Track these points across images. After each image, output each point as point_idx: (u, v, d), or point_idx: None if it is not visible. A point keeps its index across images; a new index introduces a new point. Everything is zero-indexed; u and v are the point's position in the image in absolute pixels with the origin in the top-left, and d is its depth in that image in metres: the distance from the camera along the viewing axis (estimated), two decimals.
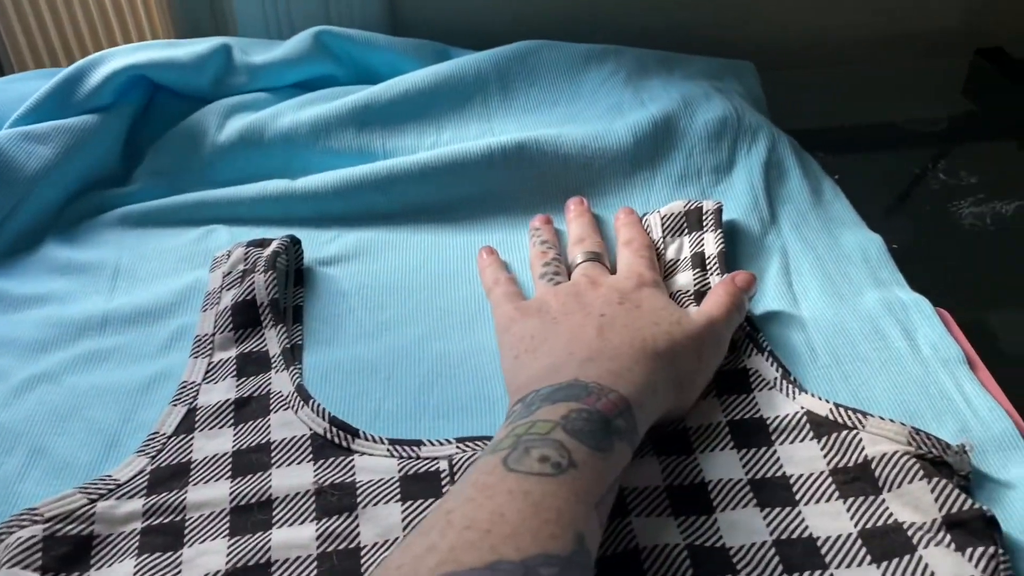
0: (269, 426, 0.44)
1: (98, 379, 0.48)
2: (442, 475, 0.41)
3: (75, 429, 0.46)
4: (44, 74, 0.68)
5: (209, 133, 0.62)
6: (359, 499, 0.41)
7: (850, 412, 0.42)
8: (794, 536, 0.38)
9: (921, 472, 0.39)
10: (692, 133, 0.60)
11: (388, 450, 0.43)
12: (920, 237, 0.57)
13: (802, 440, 0.42)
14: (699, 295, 0.49)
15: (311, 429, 0.44)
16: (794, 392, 0.44)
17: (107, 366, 0.49)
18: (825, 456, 0.41)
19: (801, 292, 0.51)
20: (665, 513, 0.39)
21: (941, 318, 0.48)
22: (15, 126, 0.60)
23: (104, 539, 0.39)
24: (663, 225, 0.54)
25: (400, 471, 0.42)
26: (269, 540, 0.39)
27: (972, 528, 0.37)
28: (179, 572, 0.38)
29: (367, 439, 0.43)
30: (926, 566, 0.36)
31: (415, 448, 0.43)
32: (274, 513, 0.40)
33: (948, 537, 0.37)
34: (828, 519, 0.39)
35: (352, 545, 0.39)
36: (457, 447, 0.42)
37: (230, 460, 0.43)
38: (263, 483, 0.41)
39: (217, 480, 0.42)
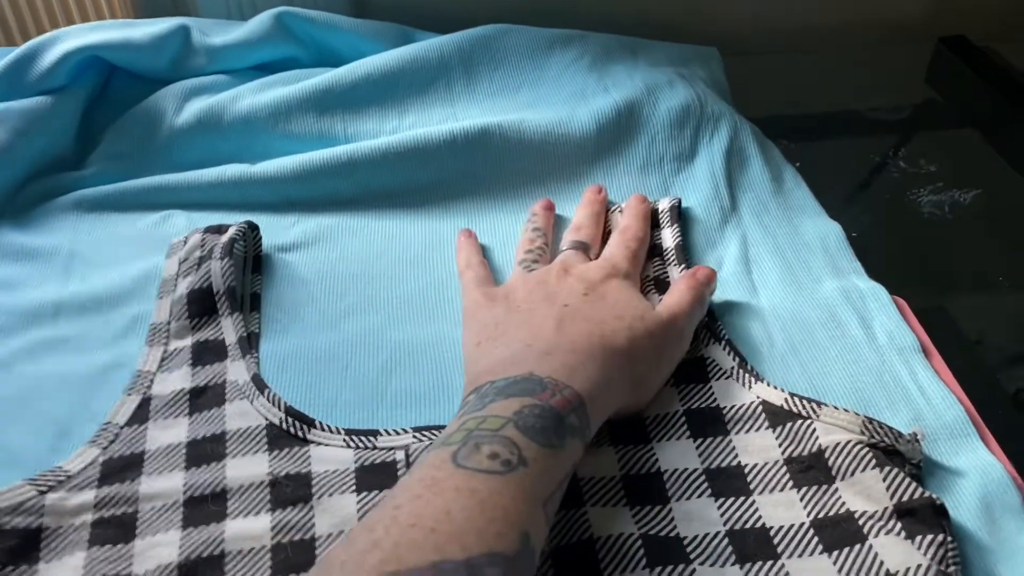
0: (224, 416, 0.44)
1: (51, 368, 0.48)
2: (398, 465, 0.41)
3: (26, 419, 0.45)
4: None
5: (167, 116, 0.61)
6: (314, 490, 0.40)
7: (805, 402, 0.42)
8: (747, 526, 0.38)
9: (873, 461, 0.39)
10: (655, 120, 0.60)
11: (344, 440, 0.43)
12: (879, 225, 0.57)
13: (757, 429, 0.42)
14: (658, 282, 0.49)
15: (267, 419, 0.43)
16: (750, 381, 0.44)
17: (60, 355, 0.49)
18: (780, 445, 0.41)
19: (760, 280, 0.51)
20: (620, 503, 0.39)
21: (897, 306, 0.49)
22: None
23: (54, 531, 0.39)
24: None
25: (356, 462, 0.41)
26: (223, 532, 0.39)
27: (922, 516, 0.37)
28: (130, 564, 0.38)
29: (323, 429, 0.43)
30: (876, 555, 0.36)
31: (371, 438, 0.43)
32: (228, 504, 0.40)
33: (899, 525, 0.37)
34: (782, 509, 0.39)
35: (307, 536, 0.39)
36: (414, 437, 0.42)
37: (184, 451, 0.42)
38: (217, 474, 0.41)
39: (171, 471, 0.41)
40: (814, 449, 0.41)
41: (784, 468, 0.40)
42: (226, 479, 0.41)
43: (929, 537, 0.36)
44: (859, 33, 0.76)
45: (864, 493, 0.39)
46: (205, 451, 0.42)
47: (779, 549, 0.37)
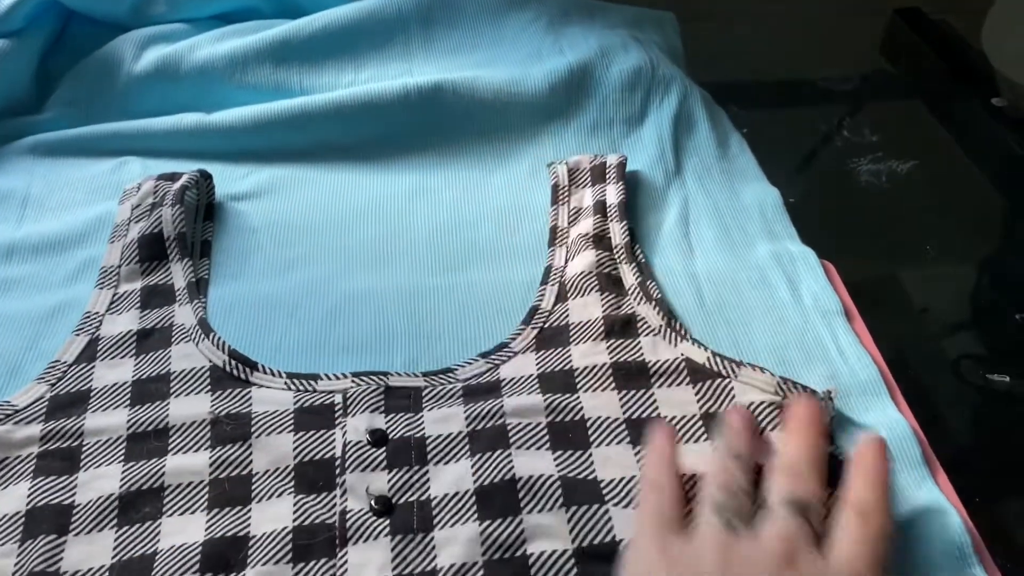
0: (170, 357, 0.45)
1: (1, 307, 0.49)
2: (336, 408, 0.43)
3: None
4: None
5: (125, 63, 0.62)
6: (253, 429, 0.42)
7: (726, 361, 0.44)
8: None
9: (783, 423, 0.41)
10: (607, 83, 0.62)
11: (285, 383, 0.44)
12: (817, 192, 0.59)
13: (679, 385, 0.44)
14: (597, 239, 0.51)
15: (211, 361, 0.45)
16: (676, 339, 0.46)
17: (12, 295, 0.50)
18: (698, 401, 0.43)
19: (697, 242, 0.53)
20: (544, 447, 0.41)
21: (825, 270, 0.51)
22: None
23: (0, 462, 0.40)
24: (569, 175, 0.56)
25: (295, 403, 0.43)
26: (163, 466, 0.41)
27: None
28: (74, 494, 0.40)
29: (265, 372, 0.45)
30: None
31: (312, 382, 0.44)
32: (170, 440, 0.42)
33: None
34: (694, 457, 0.41)
35: (244, 472, 0.40)
36: (352, 381, 0.44)
37: (129, 389, 0.44)
38: (160, 412, 0.43)
39: (116, 408, 0.43)
40: (729, 407, 0.43)
41: (700, 422, 0.43)
42: (169, 417, 0.43)
43: (829, 489, 0.39)
44: (816, 2, 0.78)
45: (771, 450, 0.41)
46: (149, 390, 0.44)
47: (690, 494, 0.40)
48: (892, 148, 0.62)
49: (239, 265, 0.52)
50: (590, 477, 0.40)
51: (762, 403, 0.42)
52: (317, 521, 0.38)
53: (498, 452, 0.40)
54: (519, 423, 0.42)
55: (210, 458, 0.41)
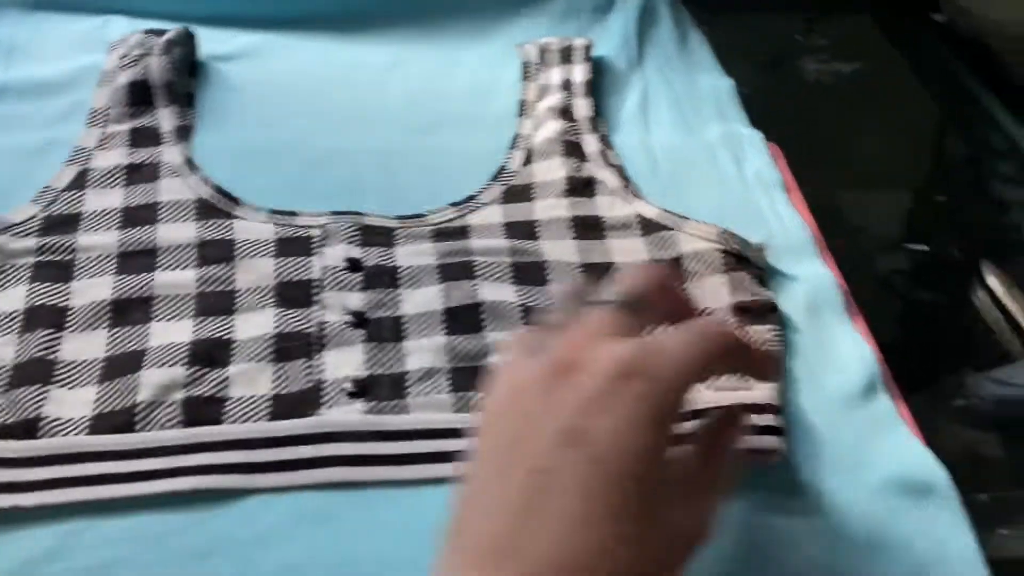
0: (157, 190, 0.48)
1: None
2: (314, 240, 0.46)
3: None
4: None
5: None
6: (236, 253, 0.45)
7: (674, 215, 0.48)
8: None
9: (723, 267, 0.46)
10: None
11: (267, 217, 0.47)
12: (768, 85, 0.63)
13: (630, 236, 0.48)
14: (563, 111, 0.55)
15: (197, 195, 0.48)
16: (631, 199, 0.50)
17: (1, 131, 0.52)
18: (647, 249, 0.47)
19: (655, 122, 0.57)
20: (508, 280, 0.45)
21: (770, 151, 0.55)
22: None
23: None
24: (539, 55, 0.59)
25: (276, 234, 0.47)
26: (152, 279, 0.44)
27: (755, 313, 0.44)
28: (69, 298, 0.43)
29: (248, 207, 0.48)
30: None
31: (291, 217, 0.48)
32: (157, 259, 0.45)
33: (735, 320, 0.44)
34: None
35: (228, 288, 0.44)
36: (330, 217, 0.47)
37: (119, 214, 0.47)
38: (149, 234, 0.46)
39: (106, 230, 0.46)
40: (675, 254, 0.47)
41: None
42: (156, 239, 0.46)
43: (757, 327, 0.43)
44: None
45: (711, 293, 0.45)
46: (138, 216, 0.47)
47: None
48: (839, 52, 0.66)
49: (222, 118, 0.55)
50: (546, 306, 0.44)
51: (704, 250, 0.46)
52: (297, 330, 0.42)
53: (464, 281, 0.44)
54: (484, 260, 0.46)
55: (196, 275, 0.44)
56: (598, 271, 0.46)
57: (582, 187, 0.51)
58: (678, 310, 0.34)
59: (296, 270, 0.45)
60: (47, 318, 0.42)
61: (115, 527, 0.35)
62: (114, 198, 0.48)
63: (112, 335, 0.41)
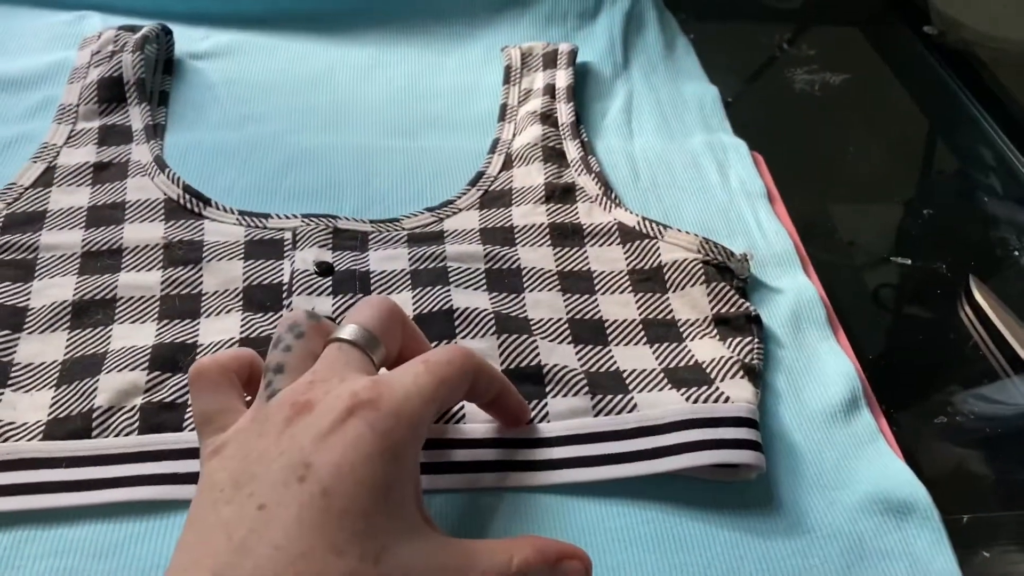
0: (125, 188, 0.47)
1: None
2: (285, 243, 0.45)
3: None
4: None
5: None
6: (204, 255, 0.44)
7: (653, 224, 0.47)
8: (586, 317, 0.44)
9: (703, 278, 0.45)
10: None
11: (237, 219, 0.46)
12: (753, 95, 0.62)
13: (609, 244, 0.47)
14: (545, 116, 0.54)
15: (165, 194, 0.47)
16: (611, 206, 0.49)
17: None
18: (626, 259, 0.46)
19: (638, 129, 0.56)
20: (481, 288, 0.44)
21: (754, 159, 0.54)
22: None
23: None
24: (522, 59, 0.58)
25: (246, 237, 0.45)
26: (116, 280, 0.42)
27: (735, 324, 0.43)
28: (28, 298, 0.41)
29: (218, 208, 0.47)
30: (689, 351, 0.42)
31: (263, 220, 0.46)
32: (123, 259, 0.43)
33: (715, 330, 0.43)
34: (617, 307, 0.44)
35: (195, 291, 0.43)
36: (302, 221, 0.46)
37: (85, 213, 0.46)
38: (114, 234, 0.44)
39: (71, 228, 0.45)
40: (655, 264, 0.46)
41: (627, 277, 0.46)
42: (123, 239, 0.44)
43: (738, 339, 0.42)
44: None
45: (690, 304, 0.44)
46: (104, 215, 0.45)
47: (609, 337, 0.43)
48: (827, 62, 0.65)
49: (195, 116, 0.53)
50: (521, 315, 0.43)
51: (686, 260, 0.45)
52: (263, 334, 0.41)
53: (438, 288, 0.43)
54: (459, 266, 0.45)
55: (162, 277, 0.43)
56: (575, 279, 0.45)
57: (561, 193, 0.50)
58: (413, 346, 0.34)
59: (265, 273, 0.43)
60: (4, 319, 0.40)
61: (63, 537, 0.33)
62: (80, 197, 0.46)
63: (72, 337, 0.40)
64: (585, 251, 0.47)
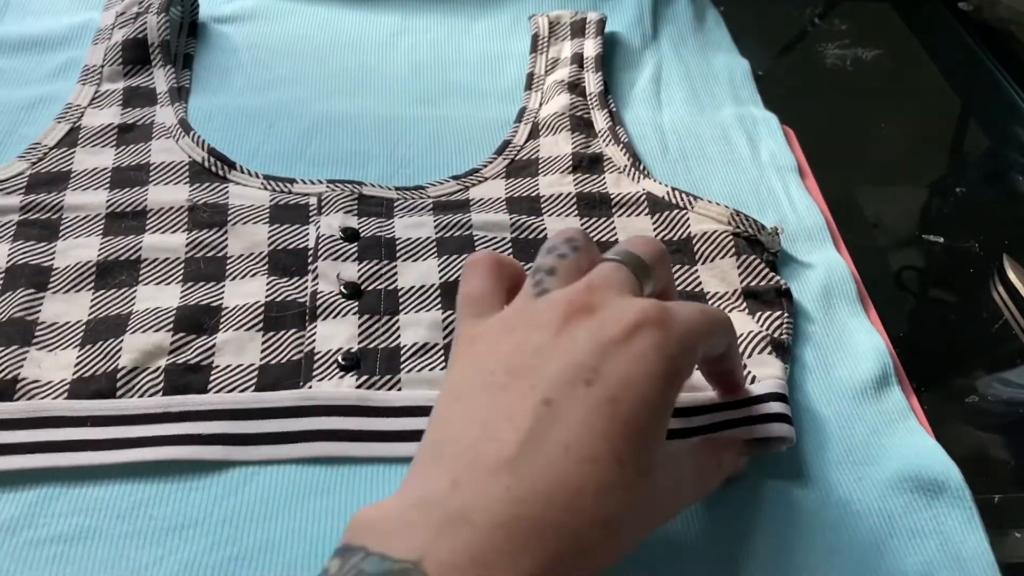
0: (149, 150, 0.47)
1: None
2: (310, 208, 0.45)
3: None
4: None
5: None
6: (229, 218, 0.44)
7: (683, 195, 0.47)
8: None
9: (733, 250, 0.44)
10: None
11: (262, 183, 0.46)
12: (784, 68, 0.61)
13: (638, 215, 0.47)
14: (572, 86, 0.53)
15: (190, 157, 0.46)
16: (639, 177, 0.48)
17: None
18: (655, 229, 0.46)
19: (666, 100, 0.55)
20: (507, 253, 0.43)
21: (785, 134, 0.53)
22: None
23: None
24: (550, 27, 0.57)
25: (271, 201, 0.45)
26: (140, 242, 0.42)
27: (765, 298, 0.42)
28: (52, 258, 0.41)
29: (242, 172, 0.46)
30: None
31: (288, 184, 0.46)
32: (147, 221, 0.43)
33: (744, 304, 0.42)
34: None
35: (220, 254, 0.42)
36: (327, 186, 0.46)
37: (109, 174, 0.45)
38: (139, 196, 0.44)
39: (95, 189, 0.44)
40: (684, 236, 0.45)
41: None
42: (147, 201, 0.44)
43: (768, 313, 0.42)
44: None
45: (719, 277, 0.44)
46: (129, 177, 0.45)
47: None
48: (859, 37, 0.64)
49: (219, 80, 0.53)
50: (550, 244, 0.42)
51: (716, 232, 0.44)
52: (288, 299, 0.40)
53: (464, 256, 0.43)
54: (485, 235, 0.44)
55: (186, 239, 0.42)
56: (603, 250, 0.45)
57: (589, 164, 0.49)
58: (669, 291, 0.34)
59: (290, 238, 0.43)
60: (29, 278, 0.40)
61: (87, 496, 0.33)
62: (104, 158, 0.46)
63: (96, 297, 0.40)
64: (612, 221, 0.46)
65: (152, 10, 0.52)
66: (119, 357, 0.37)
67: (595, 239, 0.45)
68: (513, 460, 0.25)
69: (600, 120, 0.51)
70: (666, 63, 0.58)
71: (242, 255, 0.42)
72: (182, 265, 0.41)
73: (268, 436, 0.36)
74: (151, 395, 0.36)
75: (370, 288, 0.41)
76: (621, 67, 0.57)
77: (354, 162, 0.49)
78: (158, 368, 0.37)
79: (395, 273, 0.42)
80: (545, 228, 0.45)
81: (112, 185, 0.45)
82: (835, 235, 0.47)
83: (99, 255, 0.41)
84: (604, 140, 0.50)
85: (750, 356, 0.39)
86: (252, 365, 0.38)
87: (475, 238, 0.44)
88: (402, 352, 0.39)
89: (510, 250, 0.44)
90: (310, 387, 0.37)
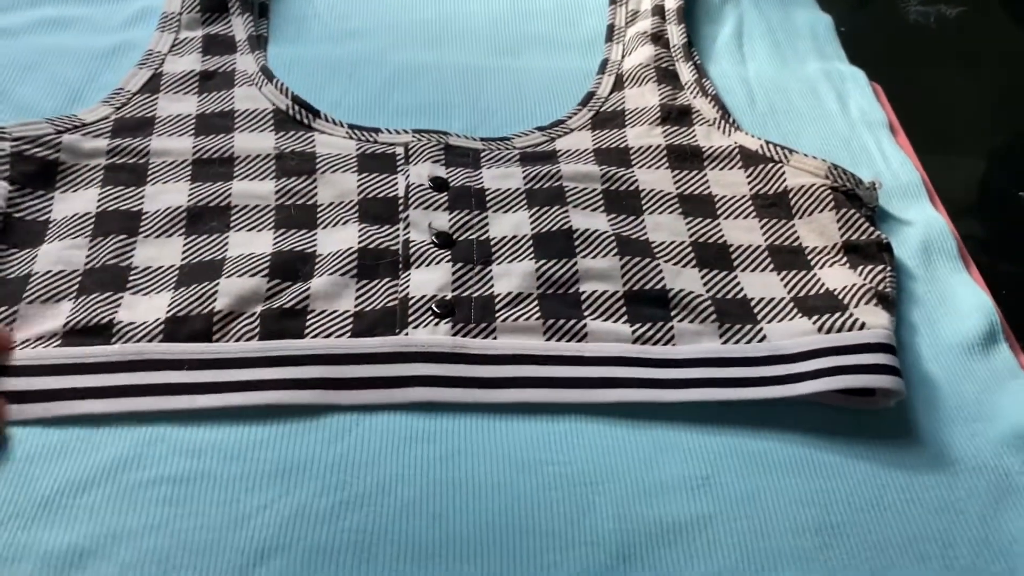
0: (233, 98, 0.46)
1: (60, 41, 0.49)
2: (397, 158, 0.44)
3: (38, 80, 0.46)
4: None
5: None
6: (318, 166, 0.43)
7: (778, 148, 0.45)
8: (710, 241, 0.42)
9: (832, 203, 0.43)
10: None
11: (347, 133, 0.45)
12: (868, 25, 0.60)
13: (731, 168, 0.45)
14: (655, 37, 0.51)
15: (274, 104, 0.46)
16: (730, 130, 0.47)
17: (70, 32, 0.50)
18: (749, 183, 0.45)
19: (750, 54, 0.54)
20: (599, 209, 0.42)
21: (873, 89, 0.52)
22: None
23: (70, 167, 0.41)
24: None
25: (358, 150, 0.44)
26: (230, 188, 0.41)
27: (866, 252, 0.41)
28: (142, 203, 0.40)
29: (327, 120, 0.45)
30: (817, 278, 0.40)
31: (373, 134, 0.45)
32: (235, 168, 0.42)
33: (845, 259, 0.41)
34: (742, 232, 0.43)
35: (310, 202, 0.41)
36: (413, 136, 0.45)
37: (193, 121, 0.44)
38: (225, 143, 0.43)
39: (180, 135, 0.44)
40: (780, 189, 0.44)
41: (750, 202, 0.44)
42: (234, 148, 0.43)
43: (870, 267, 0.40)
44: None
45: (818, 231, 0.42)
46: (214, 123, 0.44)
47: (735, 262, 0.41)
48: None
49: (297, 30, 0.52)
50: (642, 238, 0.41)
51: (813, 185, 0.43)
52: (381, 246, 0.40)
53: (555, 208, 0.42)
54: (575, 187, 0.43)
55: (276, 187, 0.42)
56: (696, 202, 0.44)
57: (677, 116, 0.48)
58: None
59: (380, 187, 0.42)
60: (119, 223, 0.39)
61: (193, 438, 0.33)
62: (188, 105, 0.45)
63: (188, 243, 0.39)
64: (705, 174, 0.45)
65: None
66: (215, 300, 0.36)
67: (688, 192, 0.44)
68: None
69: (686, 72, 0.50)
70: (747, 17, 0.56)
71: (332, 203, 0.41)
72: (273, 212, 0.41)
73: (366, 381, 0.35)
74: (247, 340, 0.36)
75: (461, 238, 0.40)
76: (702, 21, 0.56)
77: (437, 113, 0.48)
78: (254, 314, 0.36)
79: (486, 223, 0.41)
80: (636, 180, 0.44)
81: (197, 131, 0.44)
82: (931, 192, 0.46)
83: (189, 200, 0.41)
84: (691, 92, 0.49)
85: (856, 306, 0.38)
86: (347, 312, 0.37)
87: (566, 189, 0.43)
88: (496, 301, 0.38)
89: (601, 201, 0.43)
90: (406, 334, 0.36)
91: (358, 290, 0.38)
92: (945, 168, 0.53)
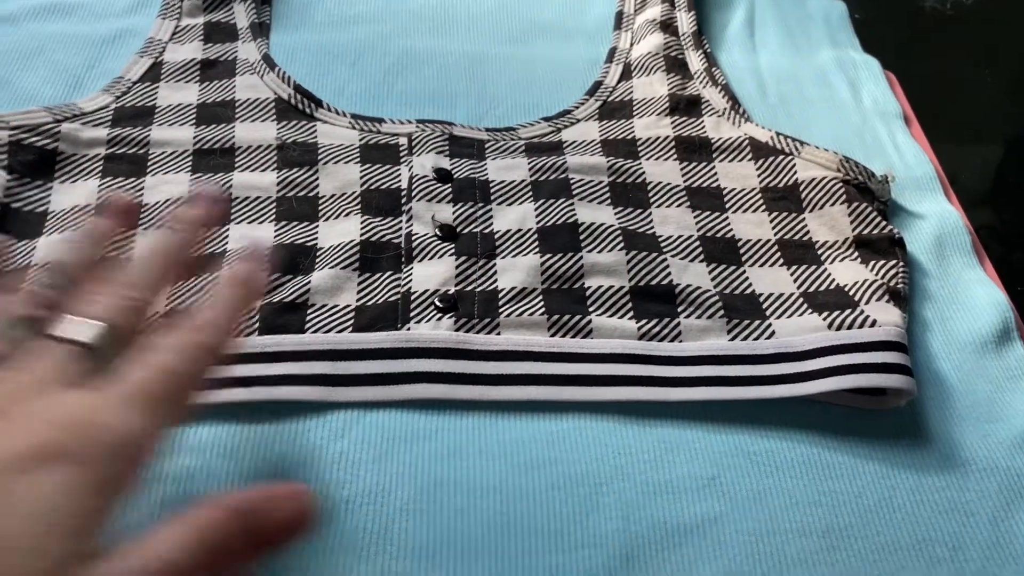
0: (234, 87, 0.45)
1: (61, 28, 0.48)
2: (401, 148, 0.43)
3: (39, 67, 0.46)
4: None
5: None
6: (319, 157, 0.42)
7: (789, 140, 0.44)
8: (718, 235, 0.41)
9: (844, 197, 0.42)
10: None
11: (350, 123, 0.44)
12: (882, 12, 0.58)
13: (740, 160, 0.45)
14: (664, 25, 0.51)
15: (275, 93, 0.45)
16: (740, 121, 0.46)
17: (71, 19, 0.49)
18: (759, 175, 0.44)
19: (761, 42, 0.53)
20: (605, 202, 0.42)
21: (887, 78, 0.51)
22: None
23: (68, 157, 0.41)
24: None
25: (361, 141, 0.43)
26: (230, 180, 0.41)
27: (878, 247, 0.40)
28: (141, 194, 0.40)
29: (330, 110, 0.45)
30: (828, 273, 0.40)
31: (376, 124, 0.44)
32: (236, 159, 0.42)
33: (855, 253, 0.40)
34: (751, 226, 0.42)
35: (311, 194, 0.41)
36: (417, 126, 0.44)
37: (194, 110, 0.44)
38: (226, 132, 0.43)
39: (181, 125, 0.43)
40: (790, 182, 0.43)
41: (759, 195, 0.43)
42: (235, 138, 0.43)
43: (882, 262, 0.40)
44: None
45: (829, 225, 0.42)
46: (215, 113, 0.44)
47: (743, 257, 0.41)
48: None
49: (300, 16, 0.51)
50: (649, 232, 0.41)
51: (824, 178, 0.42)
52: (384, 239, 0.39)
53: (561, 200, 0.41)
54: (581, 179, 0.42)
55: (277, 178, 0.41)
56: (705, 195, 0.43)
57: (686, 106, 0.47)
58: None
59: (383, 178, 0.41)
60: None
61: (196, 435, 0.32)
62: (188, 94, 0.45)
63: None
64: (713, 167, 0.44)
65: None
66: None
67: (696, 185, 0.43)
68: None
69: (695, 61, 0.49)
70: (759, 4, 0.55)
71: (334, 195, 0.41)
72: (274, 204, 0.40)
73: (367, 377, 0.35)
74: (247, 335, 0.35)
75: (465, 231, 0.39)
76: (713, 8, 0.55)
77: (442, 102, 0.47)
78: (253, 308, 0.36)
79: (491, 216, 0.40)
80: (644, 172, 0.43)
81: (198, 121, 0.43)
82: (945, 185, 0.45)
83: (189, 192, 0.40)
84: (701, 82, 0.48)
85: (868, 303, 0.37)
86: (348, 306, 0.37)
87: (571, 181, 0.42)
88: (500, 296, 0.37)
89: (608, 194, 0.42)
90: (408, 329, 0.36)
91: (360, 284, 0.37)
92: (960, 157, 0.52)
